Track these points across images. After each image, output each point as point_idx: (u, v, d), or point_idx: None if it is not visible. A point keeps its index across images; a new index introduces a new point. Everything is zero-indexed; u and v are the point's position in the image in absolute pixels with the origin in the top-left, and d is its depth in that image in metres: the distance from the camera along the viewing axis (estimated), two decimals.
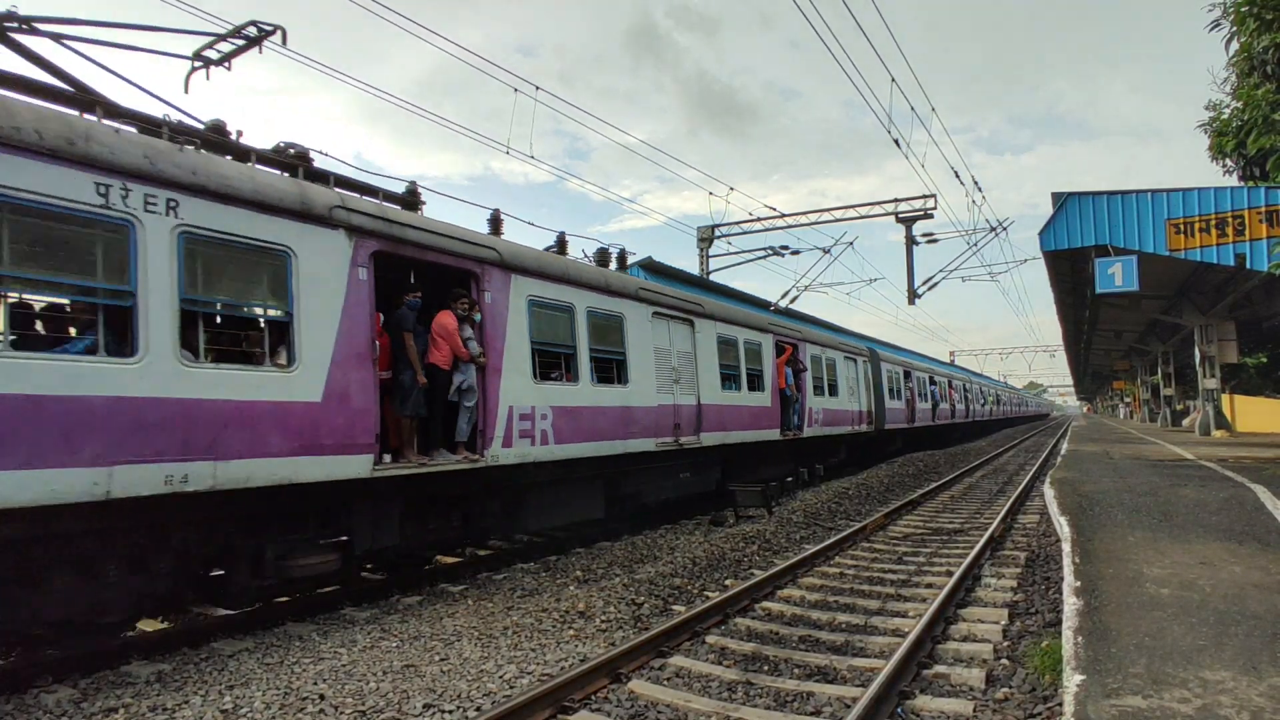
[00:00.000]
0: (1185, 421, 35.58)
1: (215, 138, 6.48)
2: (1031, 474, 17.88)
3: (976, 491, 15.84)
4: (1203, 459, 15.89)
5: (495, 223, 9.31)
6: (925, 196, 23.60)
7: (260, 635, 6.25)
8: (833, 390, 18.64)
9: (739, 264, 27.23)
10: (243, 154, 6.61)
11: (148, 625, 6.59)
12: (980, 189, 22.58)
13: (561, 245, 10.52)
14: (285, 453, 6.06)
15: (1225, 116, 17.25)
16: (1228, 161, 18.18)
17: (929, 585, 7.60)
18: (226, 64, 7.13)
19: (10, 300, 4.99)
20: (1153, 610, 4.90)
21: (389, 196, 7.93)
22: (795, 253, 25.88)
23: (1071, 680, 3.81)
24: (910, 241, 23.75)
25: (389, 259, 7.23)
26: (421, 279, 8.11)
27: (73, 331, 5.45)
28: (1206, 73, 19.55)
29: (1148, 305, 26.80)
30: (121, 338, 5.29)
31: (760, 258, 26.40)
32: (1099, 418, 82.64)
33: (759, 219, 26.21)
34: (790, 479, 15.26)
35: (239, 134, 6.79)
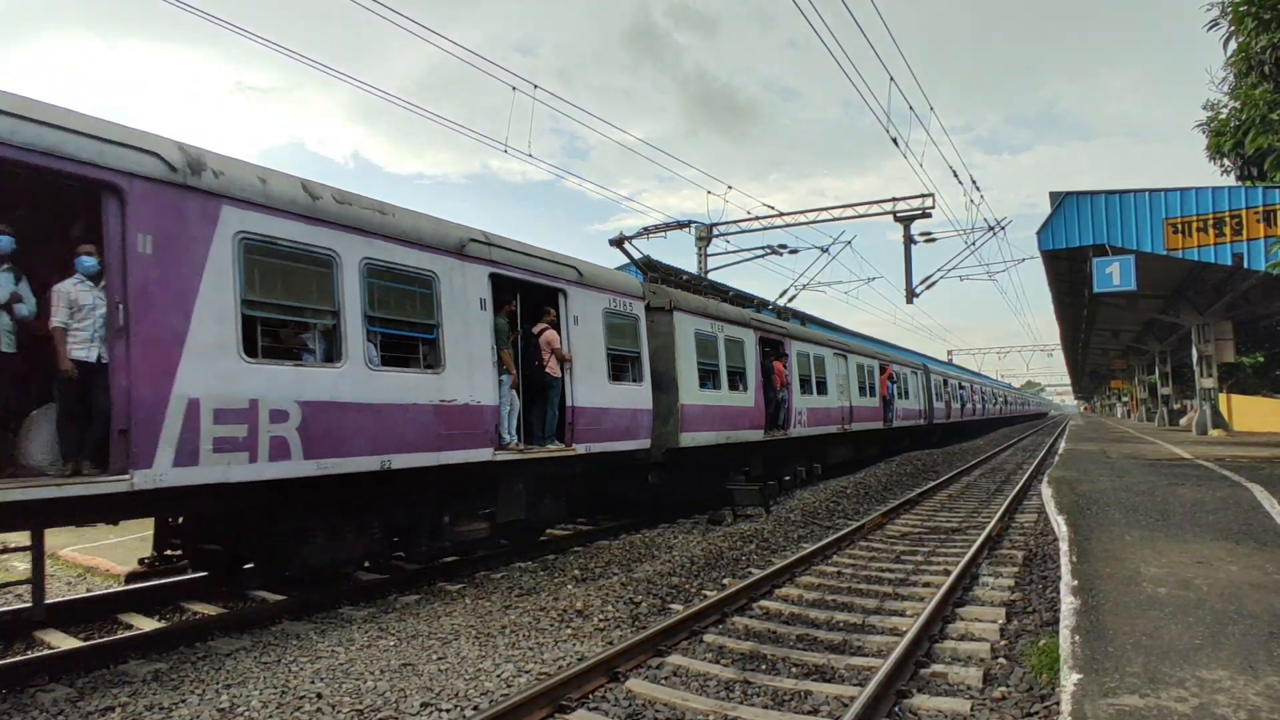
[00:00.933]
0: (1182, 421, 35.66)
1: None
2: (1029, 473, 17.90)
3: (974, 490, 15.85)
4: (1200, 458, 15.92)
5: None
6: (923, 196, 23.60)
7: (257, 634, 6.24)
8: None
9: (737, 263, 27.23)
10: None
11: (144, 623, 6.59)
12: (978, 188, 22.60)
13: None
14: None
15: (1223, 116, 17.29)
16: (1225, 161, 18.22)
17: (927, 584, 7.61)
18: None
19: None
20: (1150, 609, 4.91)
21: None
22: (794, 252, 25.83)
23: (1069, 679, 3.82)
24: (908, 241, 23.75)
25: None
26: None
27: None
28: (1204, 72, 19.57)
29: (1145, 305, 26.84)
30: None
31: (759, 256, 26.41)
32: (1097, 417, 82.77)
33: (757, 218, 26.20)
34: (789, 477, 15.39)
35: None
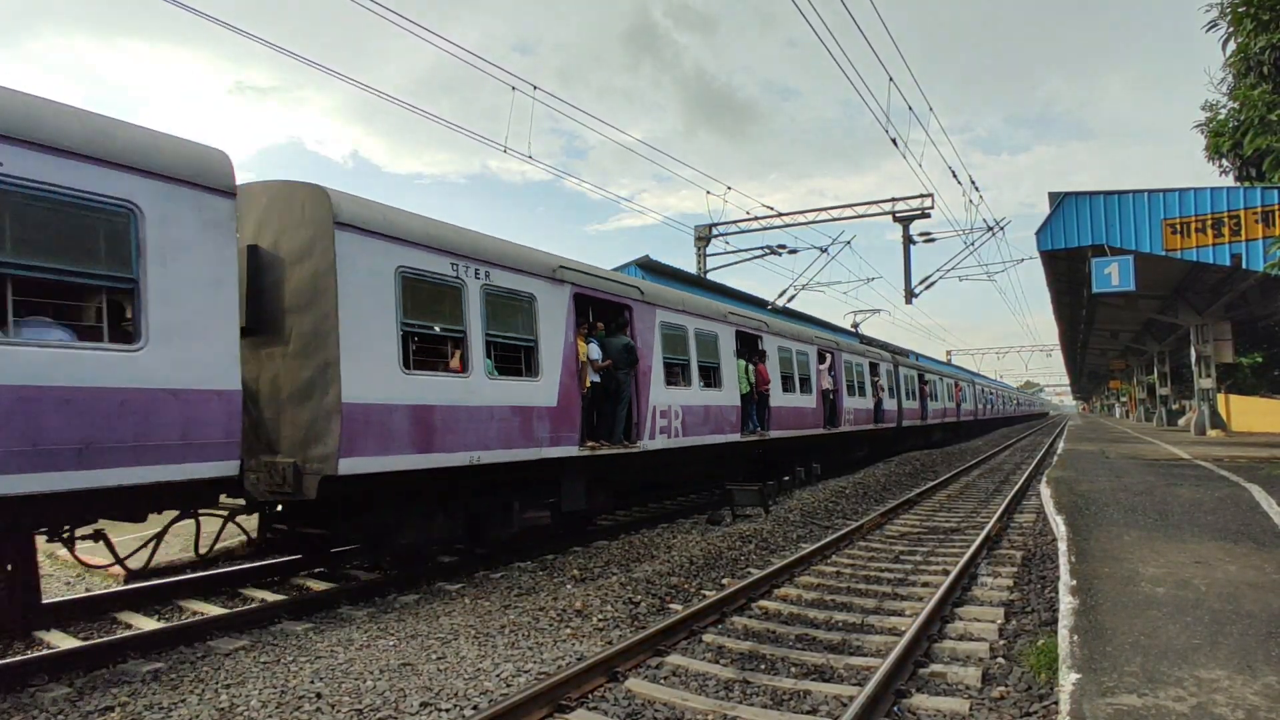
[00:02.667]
0: (1181, 421, 35.72)
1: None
2: (1028, 473, 17.91)
3: (973, 490, 15.87)
4: (1198, 458, 15.94)
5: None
6: (922, 196, 23.64)
7: (256, 634, 6.24)
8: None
9: (736, 263, 27.25)
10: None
11: (144, 623, 6.59)
12: (977, 188, 22.61)
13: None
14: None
15: (1222, 117, 17.30)
16: (1224, 161, 18.25)
17: (925, 584, 7.62)
18: None
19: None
20: (1148, 609, 4.92)
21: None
22: (793, 252, 25.92)
23: (1067, 679, 3.82)
24: (907, 241, 23.78)
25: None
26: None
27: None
28: (1203, 73, 19.59)
29: (1144, 305, 26.89)
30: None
31: (758, 256, 26.43)
32: (1095, 417, 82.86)
33: (756, 218, 26.23)
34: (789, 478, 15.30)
35: None
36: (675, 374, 11.68)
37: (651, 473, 11.96)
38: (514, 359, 8.65)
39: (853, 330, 30.96)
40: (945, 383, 34.76)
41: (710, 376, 12.79)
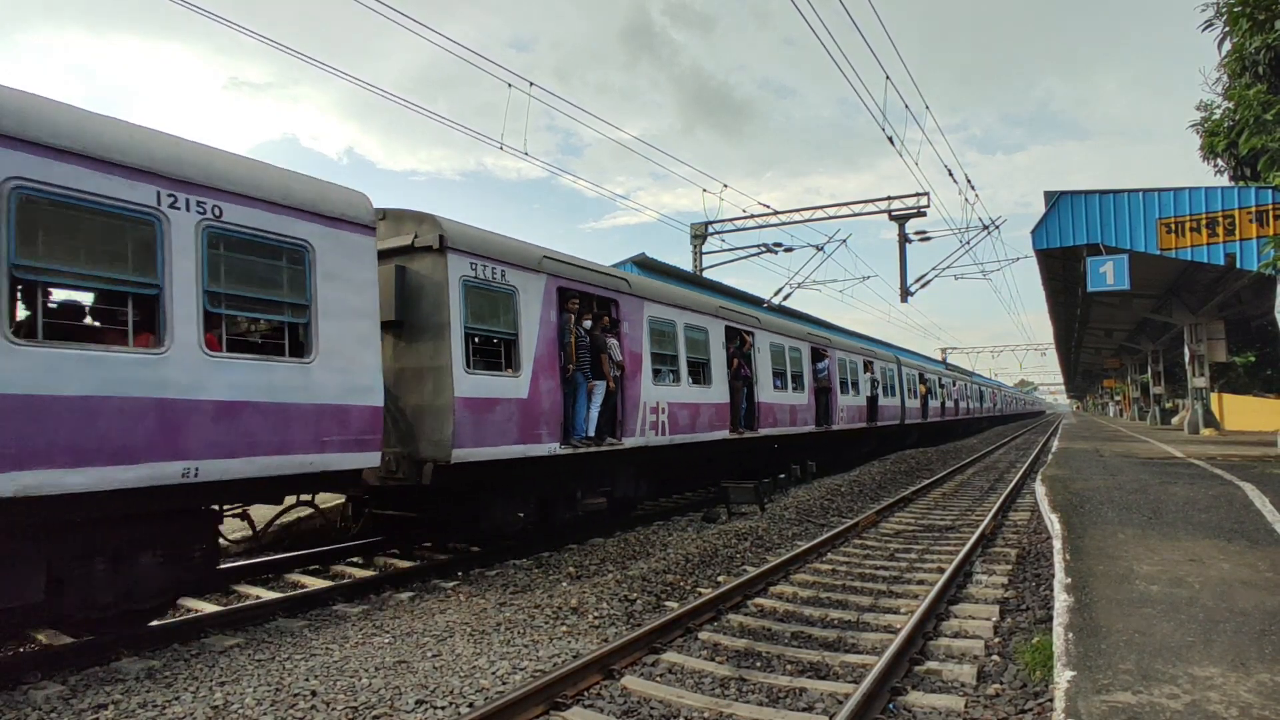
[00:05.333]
0: (1174, 420, 35.86)
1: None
2: (1022, 471, 17.97)
3: (968, 489, 15.91)
4: (1192, 457, 16.01)
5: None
6: (918, 194, 23.66)
7: (251, 631, 6.22)
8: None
9: (732, 261, 27.25)
10: None
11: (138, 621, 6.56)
12: (973, 187, 22.65)
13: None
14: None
15: (1217, 117, 17.36)
16: (1219, 161, 18.30)
17: (921, 582, 7.63)
18: None
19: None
20: (1142, 607, 4.94)
21: None
22: (789, 250, 25.93)
23: (1062, 676, 3.83)
24: (903, 239, 23.80)
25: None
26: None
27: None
28: (1198, 73, 19.67)
29: (1138, 304, 26.98)
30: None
31: (754, 255, 26.42)
32: (1090, 416, 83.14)
33: (753, 216, 26.22)
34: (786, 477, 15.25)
35: None
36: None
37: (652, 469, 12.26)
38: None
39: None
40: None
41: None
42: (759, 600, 7.00)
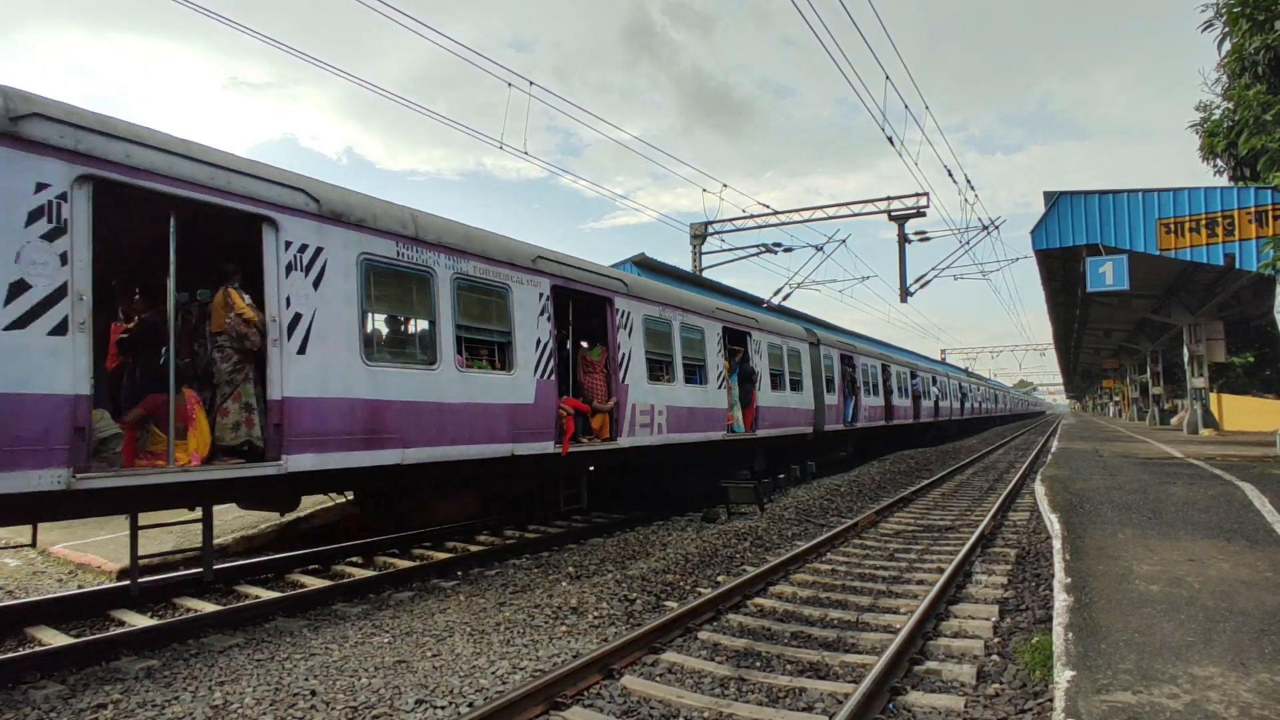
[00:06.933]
0: (1173, 420, 35.86)
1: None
2: (1022, 471, 17.97)
3: (967, 489, 15.91)
4: (1191, 457, 16.01)
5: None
6: (918, 195, 23.66)
7: (250, 630, 6.22)
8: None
9: (732, 261, 27.24)
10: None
11: (137, 620, 6.56)
12: (973, 187, 22.65)
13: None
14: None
15: (1216, 117, 17.35)
16: (1219, 161, 18.30)
17: (920, 582, 7.63)
18: None
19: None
20: (1142, 607, 4.94)
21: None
22: (788, 250, 25.92)
23: (1062, 676, 3.83)
24: (903, 239, 23.80)
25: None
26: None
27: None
28: (1197, 74, 19.68)
29: (1137, 304, 26.99)
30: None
31: (753, 255, 26.42)
32: (1089, 416, 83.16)
33: (752, 216, 26.22)
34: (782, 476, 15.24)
35: None
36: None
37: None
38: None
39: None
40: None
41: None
42: (759, 600, 7.00)
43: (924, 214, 23.54)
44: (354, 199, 7.00)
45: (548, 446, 8.79)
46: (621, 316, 10.43)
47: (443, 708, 4.48)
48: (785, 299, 25.35)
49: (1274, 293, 16.76)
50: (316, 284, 6.41)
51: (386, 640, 5.75)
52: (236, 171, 5.97)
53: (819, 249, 24.44)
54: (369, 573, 8.19)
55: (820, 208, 25.72)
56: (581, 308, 10.44)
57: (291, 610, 6.78)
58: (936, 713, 4.46)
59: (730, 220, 26.75)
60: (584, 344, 11.41)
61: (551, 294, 9.12)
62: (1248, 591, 5.23)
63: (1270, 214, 16.75)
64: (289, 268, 6.22)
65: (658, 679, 5.00)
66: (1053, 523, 8.50)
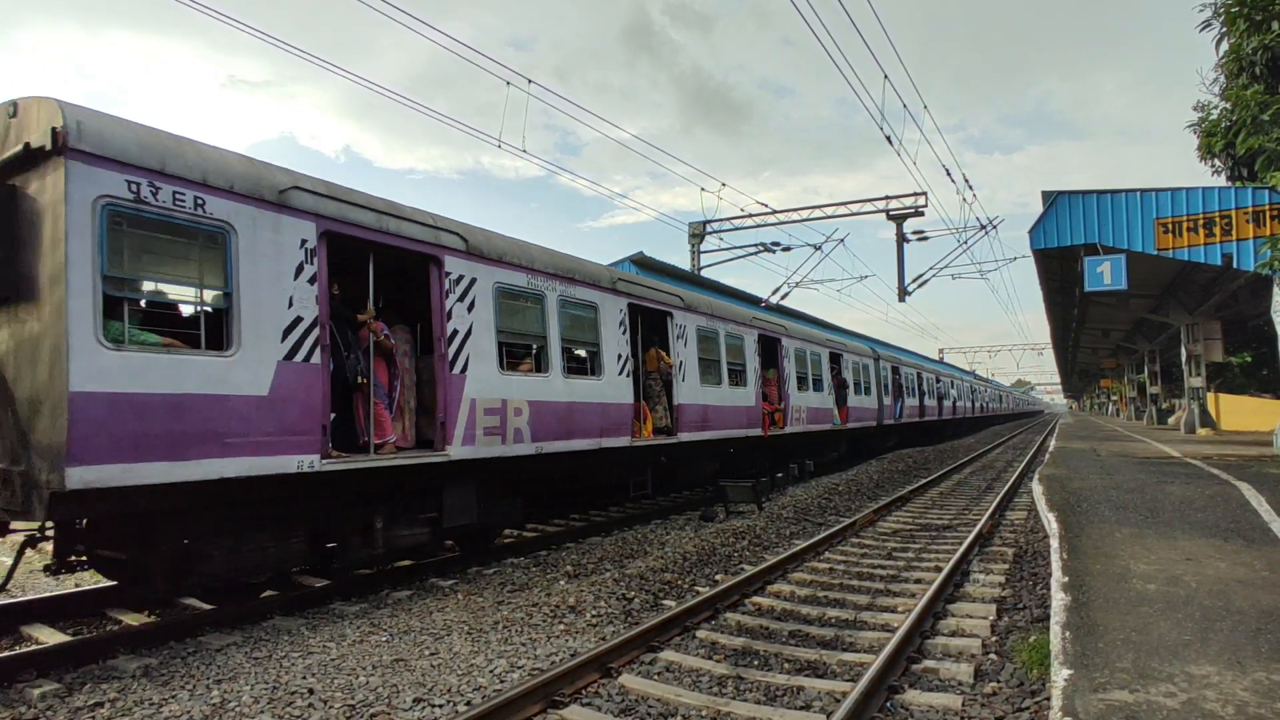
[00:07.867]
0: (1171, 419, 35.92)
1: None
2: (1019, 471, 17.99)
3: (965, 488, 15.92)
4: (1188, 456, 16.05)
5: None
6: (916, 194, 23.68)
7: (248, 629, 6.21)
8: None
9: (730, 260, 27.25)
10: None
11: (135, 620, 6.55)
12: (971, 187, 22.66)
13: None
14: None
15: (1214, 117, 17.37)
16: (1216, 161, 18.32)
17: (918, 581, 7.64)
18: None
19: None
20: (1139, 606, 4.95)
21: None
22: (786, 249, 25.94)
23: (1059, 675, 3.84)
24: (901, 239, 23.82)
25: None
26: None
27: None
28: (1195, 74, 19.72)
29: (1135, 304, 27.03)
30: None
31: (752, 254, 26.43)
32: (1086, 415, 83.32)
33: (751, 215, 26.23)
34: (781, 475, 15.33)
35: None
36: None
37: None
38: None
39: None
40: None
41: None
42: (757, 599, 7.00)
43: (922, 213, 23.57)
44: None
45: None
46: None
47: (440, 706, 4.48)
48: (783, 298, 25.36)
49: (1271, 292, 16.80)
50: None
51: (384, 639, 5.75)
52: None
53: (817, 248, 24.45)
54: (367, 571, 8.17)
55: (819, 207, 25.76)
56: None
57: (289, 609, 6.78)
58: (934, 711, 4.46)
59: (729, 219, 26.77)
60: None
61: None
62: (1244, 591, 5.24)
63: (1268, 214, 16.78)
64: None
65: (656, 678, 5.00)
66: (1050, 522, 8.51)
